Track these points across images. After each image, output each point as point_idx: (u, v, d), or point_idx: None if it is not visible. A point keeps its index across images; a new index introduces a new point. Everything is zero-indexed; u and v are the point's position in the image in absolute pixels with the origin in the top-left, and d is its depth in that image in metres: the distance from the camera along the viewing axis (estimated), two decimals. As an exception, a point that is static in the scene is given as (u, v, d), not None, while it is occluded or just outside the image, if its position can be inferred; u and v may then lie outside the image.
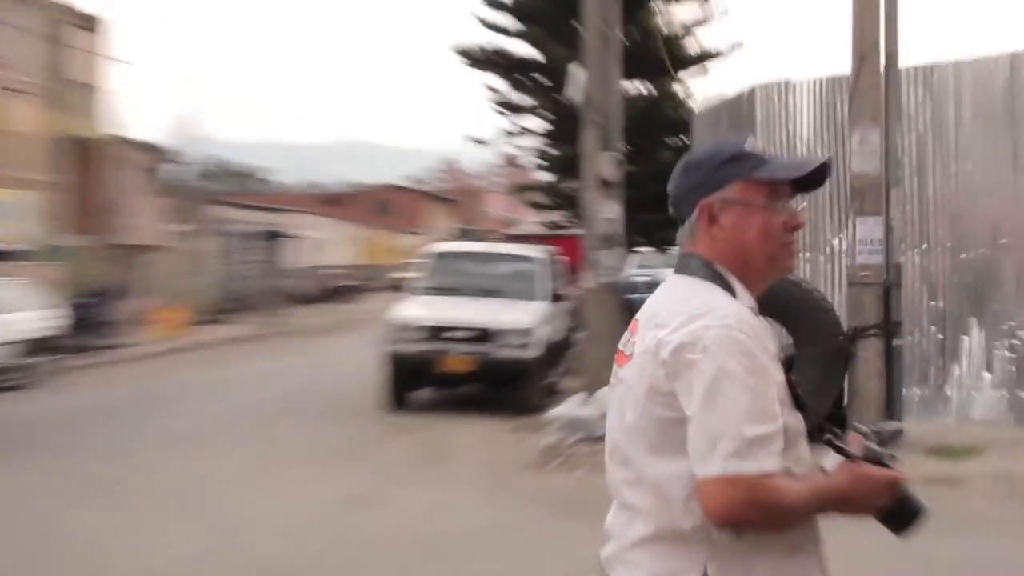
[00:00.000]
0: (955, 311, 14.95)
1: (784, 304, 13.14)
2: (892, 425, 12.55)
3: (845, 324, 13.14)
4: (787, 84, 16.78)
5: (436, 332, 17.55)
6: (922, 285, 15.13)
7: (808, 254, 15.87)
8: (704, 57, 29.07)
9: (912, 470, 11.76)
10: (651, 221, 27.91)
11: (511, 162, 34.96)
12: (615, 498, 2.97)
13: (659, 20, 27.91)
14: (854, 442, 2.86)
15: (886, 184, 13.20)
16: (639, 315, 3.01)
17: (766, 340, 2.83)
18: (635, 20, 24.52)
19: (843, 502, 2.79)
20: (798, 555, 2.84)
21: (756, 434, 2.67)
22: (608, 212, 17.37)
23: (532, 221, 49.24)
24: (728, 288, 2.92)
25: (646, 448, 2.84)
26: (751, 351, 2.74)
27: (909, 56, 14.82)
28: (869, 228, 13.03)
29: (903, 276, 14.03)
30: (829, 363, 12.87)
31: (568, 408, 14.41)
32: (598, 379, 16.50)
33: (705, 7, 29.20)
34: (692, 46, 29.32)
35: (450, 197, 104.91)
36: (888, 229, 13.13)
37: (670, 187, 3.07)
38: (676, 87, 28.99)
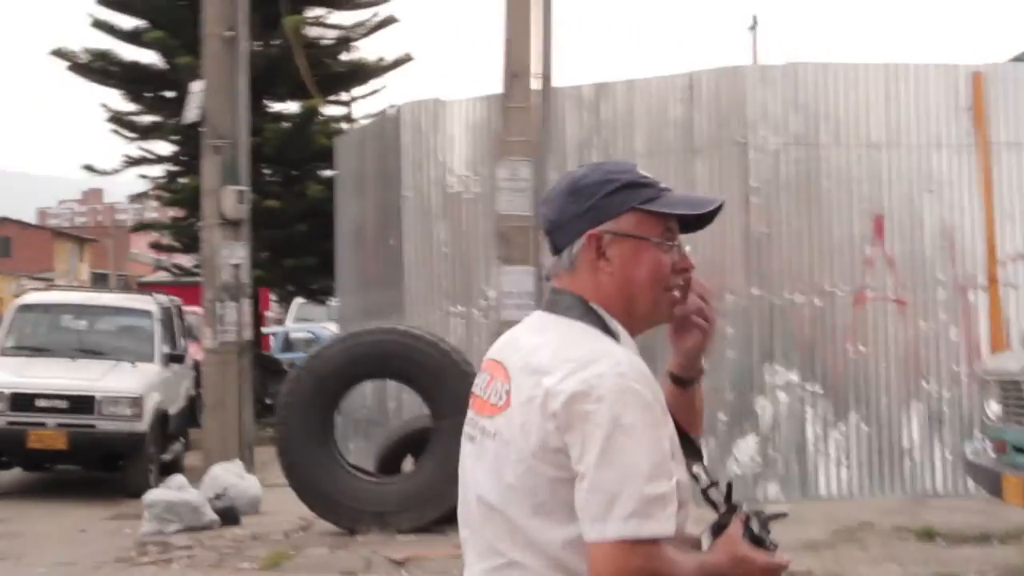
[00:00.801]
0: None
1: (419, 369, 13.34)
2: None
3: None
4: (438, 104, 16.96)
5: (21, 401, 16.94)
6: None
7: (461, 307, 16.16)
8: (365, 73, 29.01)
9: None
10: (302, 267, 27.67)
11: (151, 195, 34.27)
12: (481, 563, 3.01)
13: (310, 30, 27.67)
14: (734, 522, 2.98)
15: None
16: (499, 356, 3.07)
17: (657, 390, 2.91)
18: (279, 29, 24.34)
19: None
20: None
21: (655, 493, 2.78)
22: (233, 256, 17.27)
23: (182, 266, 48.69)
24: (609, 332, 2.98)
25: (532, 510, 2.89)
26: (648, 402, 2.83)
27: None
28: (517, 278, 13.35)
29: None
30: (473, 435, 13.08)
31: (167, 492, 14.23)
32: (217, 454, 16.45)
33: (370, 14, 29.12)
34: (352, 60, 29.17)
35: (87, 236, 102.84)
36: (540, 279, 13.47)
37: (547, 210, 3.10)
38: (335, 108, 28.90)
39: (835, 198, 15.28)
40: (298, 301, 34.18)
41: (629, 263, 3.00)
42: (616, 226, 3.00)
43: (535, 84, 13.76)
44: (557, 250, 3.08)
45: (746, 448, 14.91)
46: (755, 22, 39.48)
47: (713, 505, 3.06)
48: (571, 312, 3.00)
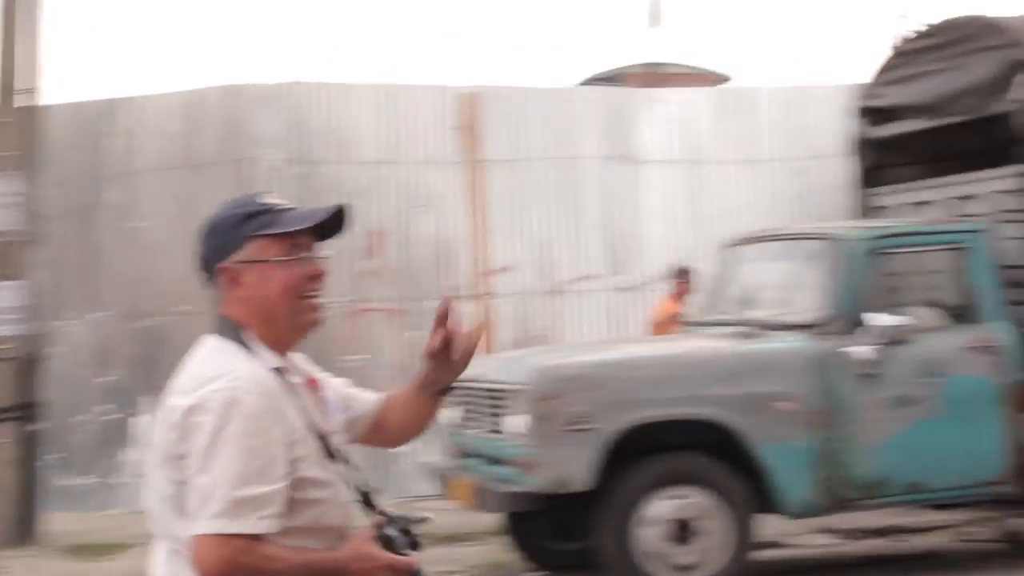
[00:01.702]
0: (125, 388, 14.65)
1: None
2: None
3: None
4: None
5: None
6: (91, 358, 14.76)
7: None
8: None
9: (42, 571, 11.50)
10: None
11: None
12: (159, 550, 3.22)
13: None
14: (373, 523, 3.22)
15: (41, 242, 13.17)
16: (171, 383, 3.23)
17: (282, 401, 3.14)
18: None
19: None
20: None
21: (246, 495, 2.98)
22: None
23: None
24: (247, 349, 3.18)
25: (173, 512, 3.10)
26: (254, 413, 3.04)
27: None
28: (6, 294, 12.76)
29: (64, 348, 14.11)
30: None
31: None
32: None
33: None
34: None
35: None
36: (33, 294, 12.89)
37: (198, 250, 3.30)
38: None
39: (329, 214, 15.01)
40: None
41: (260, 285, 3.22)
42: (241, 255, 3.22)
43: (25, 99, 13.07)
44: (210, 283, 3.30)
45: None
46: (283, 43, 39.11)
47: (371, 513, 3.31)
48: (221, 333, 3.23)
